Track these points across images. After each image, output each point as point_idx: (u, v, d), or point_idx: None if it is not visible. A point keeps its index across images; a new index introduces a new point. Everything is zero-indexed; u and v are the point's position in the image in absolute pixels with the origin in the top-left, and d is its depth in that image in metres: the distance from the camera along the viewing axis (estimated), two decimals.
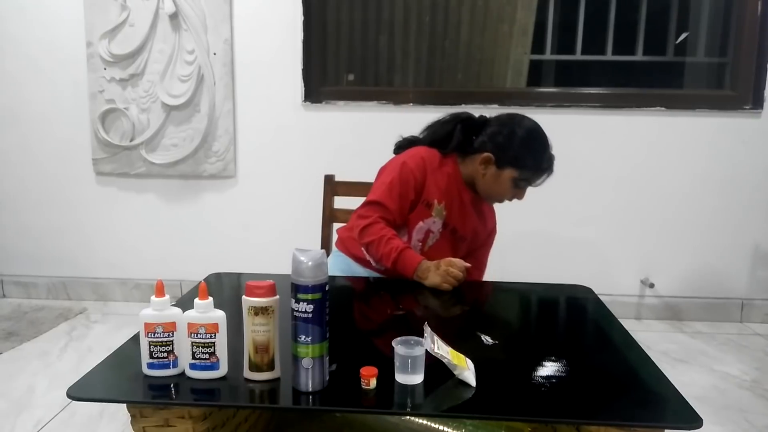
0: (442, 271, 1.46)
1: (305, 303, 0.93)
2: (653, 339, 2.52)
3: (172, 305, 1.02)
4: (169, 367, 1.01)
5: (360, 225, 1.56)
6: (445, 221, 1.63)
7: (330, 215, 1.98)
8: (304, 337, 0.94)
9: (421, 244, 1.63)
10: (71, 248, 2.98)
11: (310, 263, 0.94)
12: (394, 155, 1.70)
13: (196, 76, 2.73)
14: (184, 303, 1.05)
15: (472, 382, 0.97)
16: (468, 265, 1.49)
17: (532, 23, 2.87)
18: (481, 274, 1.77)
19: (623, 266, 2.81)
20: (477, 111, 2.75)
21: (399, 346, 0.98)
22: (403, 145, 1.72)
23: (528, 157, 1.57)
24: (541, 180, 1.60)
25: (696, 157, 2.71)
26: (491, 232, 1.78)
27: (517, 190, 1.61)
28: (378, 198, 1.57)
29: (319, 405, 0.96)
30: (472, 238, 1.69)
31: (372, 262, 1.63)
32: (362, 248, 1.61)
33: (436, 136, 1.66)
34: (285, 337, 0.99)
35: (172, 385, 0.99)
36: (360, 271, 1.66)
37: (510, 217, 2.81)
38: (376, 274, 1.65)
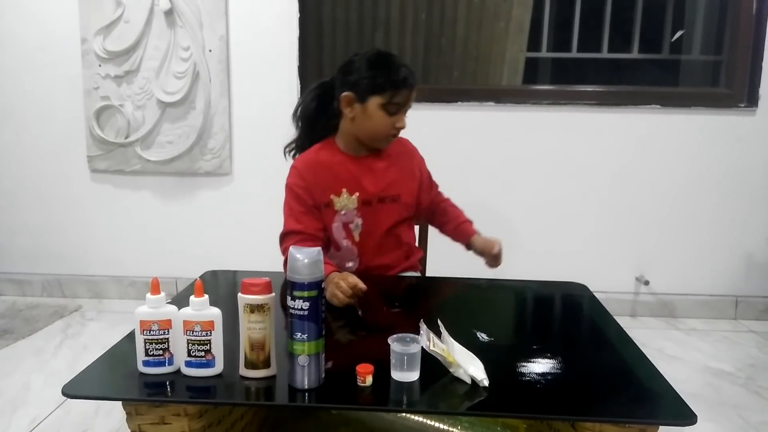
0: (333, 285, 1.35)
1: (301, 300, 0.93)
2: (648, 336, 2.53)
3: (168, 303, 1.02)
4: (165, 365, 1.00)
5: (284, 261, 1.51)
6: (359, 201, 1.57)
7: None
8: (300, 334, 0.94)
9: (348, 240, 1.59)
10: (66, 245, 2.96)
11: (306, 261, 0.94)
12: (290, 158, 1.69)
13: (191, 73, 2.72)
14: (180, 300, 1.05)
15: (468, 379, 0.98)
16: (363, 287, 1.34)
17: (528, 21, 2.87)
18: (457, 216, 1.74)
19: (618, 263, 2.81)
20: (473, 109, 2.82)
21: (395, 344, 0.98)
22: (292, 148, 1.70)
23: (379, 77, 1.48)
24: (402, 96, 1.49)
25: (691, 154, 2.72)
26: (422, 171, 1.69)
27: (392, 117, 1.50)
28: (286, 229, 1.57)
29: (315, 402, 0.96)
30: (406, 189, 1.62)
31: None
32: None
33: (309, 122, 1.63)
34: (281, 335, 0.99)
35: (167, 383, 0.99)
36: None
37: (505, 214, 2.85)
38: None
